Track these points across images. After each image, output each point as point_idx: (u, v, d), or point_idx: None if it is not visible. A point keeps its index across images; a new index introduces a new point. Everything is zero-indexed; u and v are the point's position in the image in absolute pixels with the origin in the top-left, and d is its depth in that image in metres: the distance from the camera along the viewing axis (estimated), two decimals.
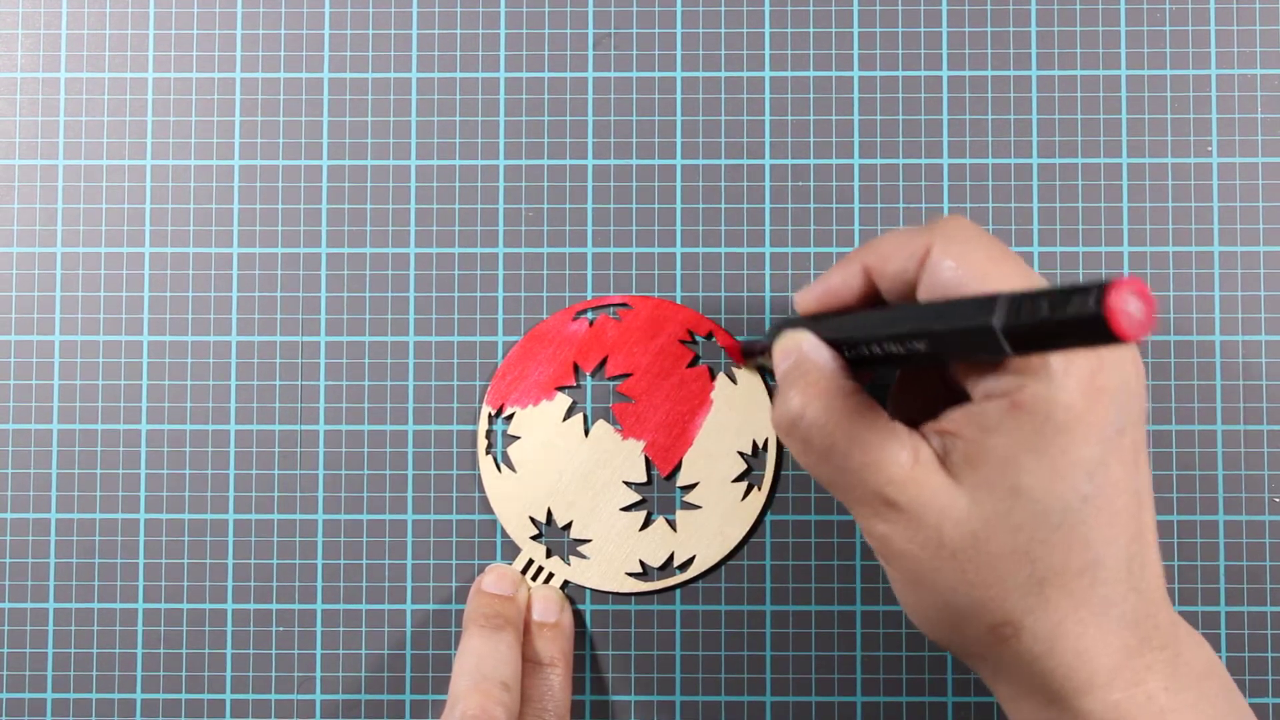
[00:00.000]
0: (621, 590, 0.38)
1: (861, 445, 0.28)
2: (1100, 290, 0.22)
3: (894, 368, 0.30)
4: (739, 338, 0.38)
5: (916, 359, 0.28)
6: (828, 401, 0.29)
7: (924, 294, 0.28)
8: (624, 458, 0.38)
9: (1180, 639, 0.28)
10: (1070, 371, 0.26)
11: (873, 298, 0.31)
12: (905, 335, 0.27)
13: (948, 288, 0.28)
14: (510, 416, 0.38)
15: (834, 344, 0.30)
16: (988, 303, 0.25)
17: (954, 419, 0.28)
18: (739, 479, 0.38)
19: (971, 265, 0.28)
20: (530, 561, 0.38)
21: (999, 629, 0.27)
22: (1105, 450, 0.26)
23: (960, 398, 0.29)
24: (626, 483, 0.38)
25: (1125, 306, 0.22)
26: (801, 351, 0.30)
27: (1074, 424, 0.26)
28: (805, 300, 0.32)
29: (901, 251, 0.29)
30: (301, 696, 0.38)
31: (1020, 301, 0.24)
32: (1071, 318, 0.23)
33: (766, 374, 0.38)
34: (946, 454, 0.27)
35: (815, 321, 0.31)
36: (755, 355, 0.37)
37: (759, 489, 0.38)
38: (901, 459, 0.27)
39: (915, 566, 0.28)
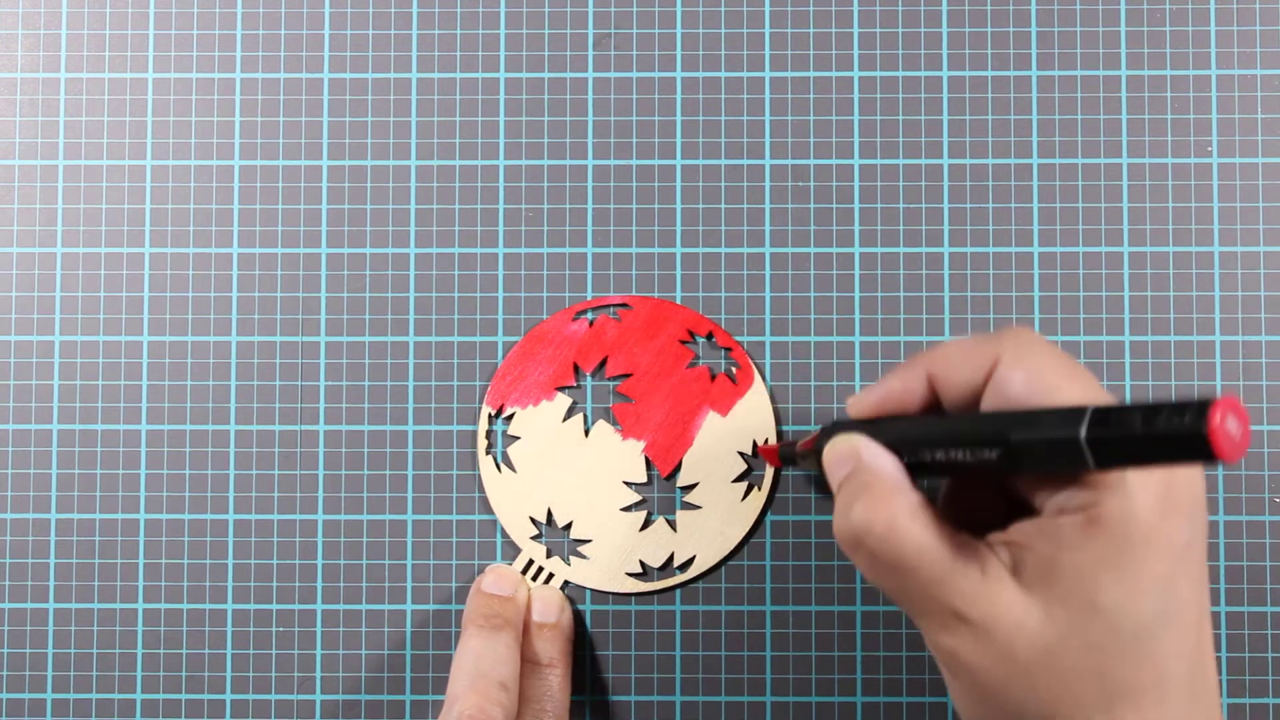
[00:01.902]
0: (621, 590, 0.38)
1: (930, 560, 0.27)
2: (1202, 409, 0.21)
3: (952, 476, 0.29)
4: (786, 440, 0.37)
5: (984, 468, 0.27)
6: (893, 516, 0.28)
7: (989, 405, 0.28)
8: (624, 458, 0.38)
9: None
10: (1145, 486, 0.26)
11: (932, 406, 0.30)
12: (981, 444, 0.27)
13: (1018, 399, 0.27)
14: (510, 417, 0.38)
15: (891, 449, 0.29)
16: (1073, 415, 0.25)
17: (1025, 532, 0.27)
18: (739, 479, 0.38)
19: (1042, 378, 0.27)
20: (530, 561, 0.38)
21: None
22: (1176, 565, 0.26)
23: (1018, 505, 0.28)
24: (626, 483, 0.38)
25: (1226, 427, 0.21)
26: (861, 459, 0.29)
27: (1149, 539, 0.26)
28: (861, 404, 0.31)
29: (969, 361, 0.29)
30: (301, 696, 0.38)
31: (1108, 415, 0.24)
32: (1168, 435, 0.22)
33: (812, 478, 0.38)
34: (1018, 567, 0.27)
35: (870, 425, 0.30)
36: (796, 459, 0.35)
37: (759, 489, 0.38)
38: (972, 574, 0.27)
39: (985, 680, 0.27)
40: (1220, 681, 0.29)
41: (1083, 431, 0.24)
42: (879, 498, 0.28)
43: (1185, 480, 0.27)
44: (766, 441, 0.38)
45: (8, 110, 0.40)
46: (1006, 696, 0.27)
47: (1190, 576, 0.27)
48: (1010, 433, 0.26)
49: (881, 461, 0.29)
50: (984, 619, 0.27)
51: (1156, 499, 0.26)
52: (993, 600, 0.27)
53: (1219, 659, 0.38)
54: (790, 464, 0.36)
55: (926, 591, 0.28)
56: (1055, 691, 0.27)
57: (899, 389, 0.30)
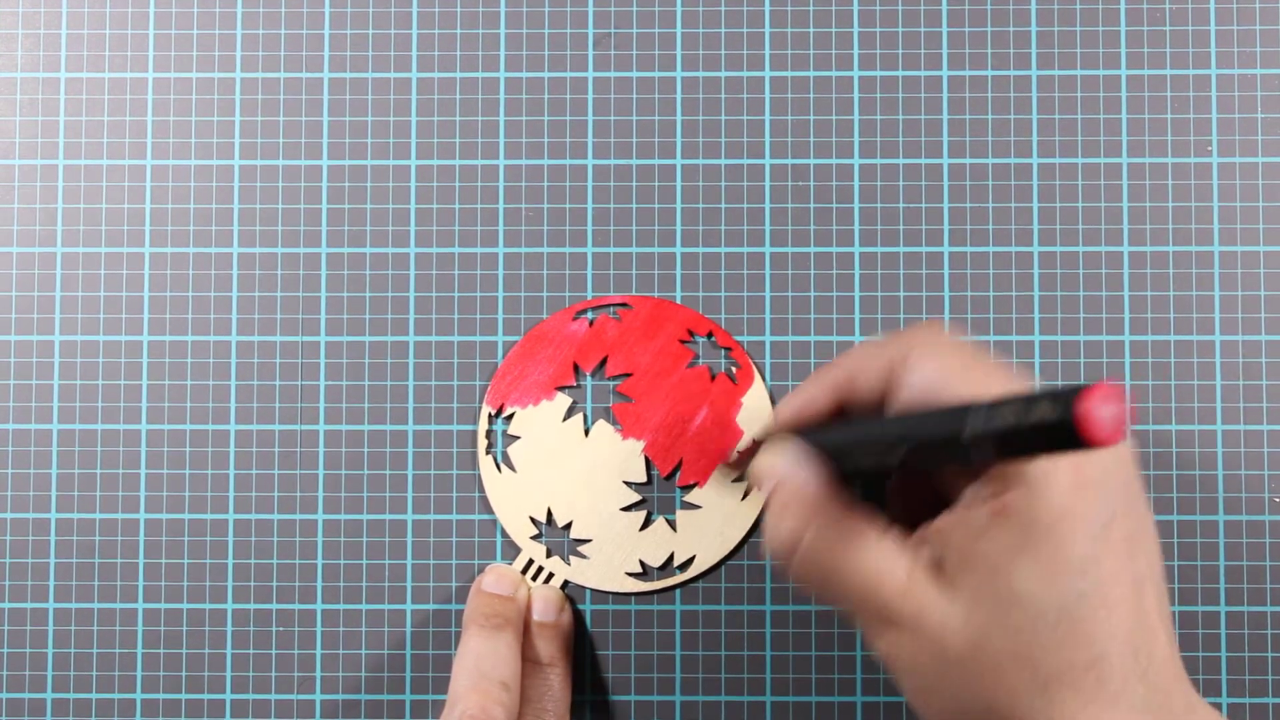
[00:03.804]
0: (621, 590, 0.38)
1: (859, 567, 0.28)
2: (1071, 397, 0.21)
3: (873, 477, 0.29)
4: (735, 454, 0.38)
5: (896, 469, 0.28)
6: (819, 529, 0.28)
7: (899, 405, 0.28)
8: (624, 458, 0.38)
9: None
10: (1051, 470, 0.26)
11: (850, 411, 0.30)
12: (882, 446, 0.27)
13: (922, 398, 0.28)
14: (510, 416, 0.38)
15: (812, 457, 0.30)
16: (960, 413, 0.25)
17: (944, 523, 0.28)
18: (740, 478, 0.38)
19: (944, 374, 0.28)
20: (530, 561, 0.38)
21: None
22: (1095, 545, 0.26)
23: (949, 498, 0.29)
24: (626, 483, 0.38)
25: (1097, 413, 0.21)
26: (783, 472, 0.30)
27: (1060, 522, 0.26)
28: (782, 414, 0.31)
29: (873, 365, 0.29)
30: (301, 696, 0.38)
31: (992, 410, 0.24)
32: (1043, 425, 0.22)
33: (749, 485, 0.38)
34: (941, 561, 0.27)
35: (793, 435, 0.31)
36: (736, 467, 0.36)
37: (759, 489, 0.38)
38: (898, 574, 0.27)
39: (924, 676, 0.28)
40: (1180, 662, 0.28)
41: (968, 429, 0.24)
42: (802, 512, 0.29)
43: (1096, 459, 0.27)
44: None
45: (8, 110, 0.40)
46: (947, 690, 0.27)
47: (1115, 554, 0.27)
48: (908, 433, 0.27)
49: (803, 474, 0.30)
50: (912, 618, 0.27)
51: (1065, 481, 0.26)
52: (918, 599, 0.27)
53: (1219, 659, 0.38)
54: (734, 470, 0.37)
55: (856, 597, 0.28)
56: (990, 681, 0.27)
57: (812, 398, 0.31)
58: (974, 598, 0.27)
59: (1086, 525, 0.26)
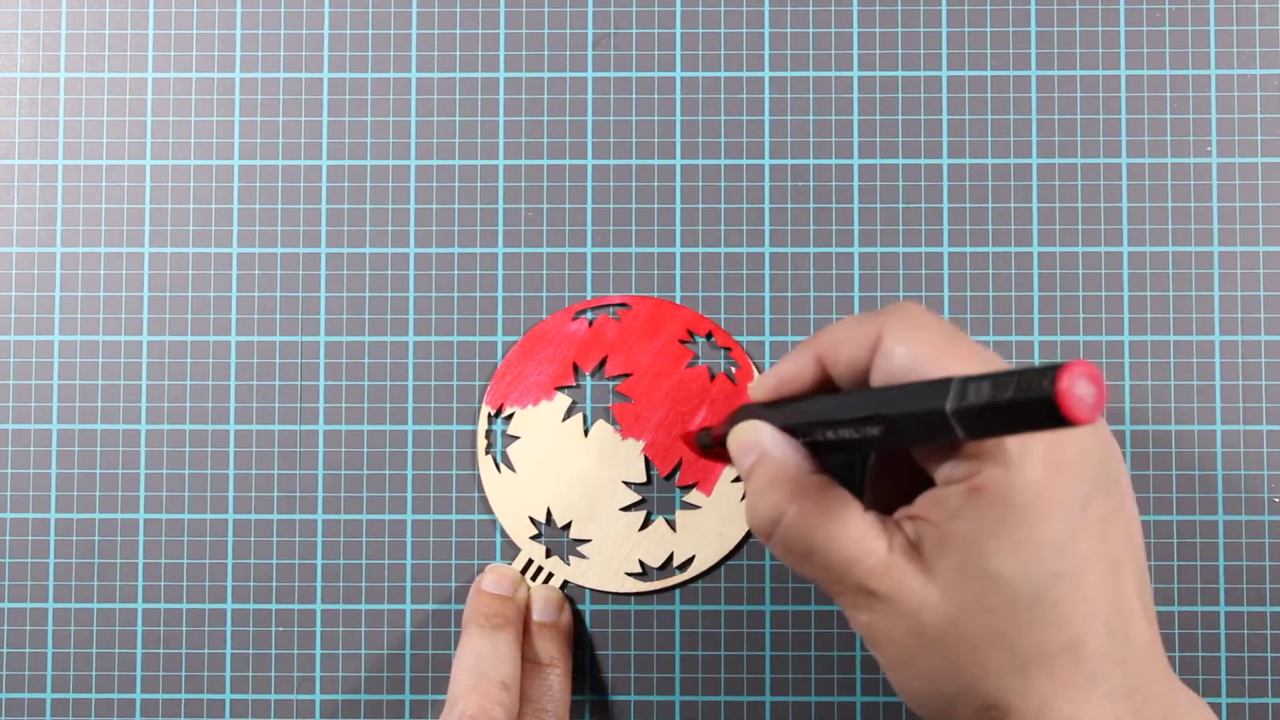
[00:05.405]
0: (621, 590, 0.38)
1: (839, 542, 0.28)
2: (1050, 374, 0.22)
3: (851, 452, 0.29)
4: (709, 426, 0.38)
5: (872, 444, 0.28)
6: (801, 504, 0.29)
7: (877, 380, 0.28)
8: (624, 458, 0.38)
9: (1179, 707, 0.28)
10: (1027, 450, 0.26)
11: (827, 386, 0.30)
12: (859, 421, 0.27)
13: (901, 374, 0.28)
14: (510, 416, 0.38)
15: (790, 431, 0.30)
16: (940, 387, 0.25)
17: (922, 504, 0.28)
18: (739, 479, 0.38)
19: (923, 350, 0.27)
20: (530, 561, 0.38)
21: (988, 712, 0.27)
22: (1072, 525, 0.26)
23: (929, 477, 0.29)
24: (626, 483, 0.38)
25: (1075, 390, 0.21)
26: (763, 449, 0.30)
27: (1035, 503, 0.26)
28: (759, 388, 0.31)
29: (853, 339, 0.29)
30: (301, 696, 0.38)
31: (972, 385, 0.24)
32: (1021, 401, 0.22)
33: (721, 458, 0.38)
34: (920, 540, 0.27)
35: (770, 409, 0.31)
36: (710, 444, 0.36)
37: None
38: (878, 550, 0.27)
39: (900, 654, 0.28)
40: (1162, 646, 0.28)
41: (947, 404, 0.24)
42: (783, 489, 0.29)
43: (1073, 440, 0.26)
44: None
45: (8, 110, 0.40)
46: (924, 668, 0.28)
47: (1092, 535, 0.27)
48: (885, 408, 0.27)
49: (783, 450, 0.30)
50: (890, 594, 0.27)
51: (1041, 461, 0.26)
52: (896, 577, 0.27)
53: (1219, 659, 0.38)
54: (707, 448, 0.37)
55: (837, 572, 0.28)
56: (966, 660, 0.27)
57: (791, 372, 0.31)
58: (950, 578, 0.27)
59: (1062, 506, 0.26)
